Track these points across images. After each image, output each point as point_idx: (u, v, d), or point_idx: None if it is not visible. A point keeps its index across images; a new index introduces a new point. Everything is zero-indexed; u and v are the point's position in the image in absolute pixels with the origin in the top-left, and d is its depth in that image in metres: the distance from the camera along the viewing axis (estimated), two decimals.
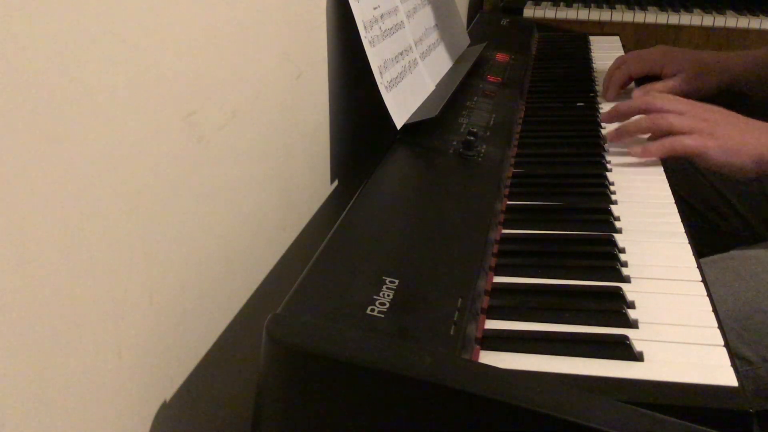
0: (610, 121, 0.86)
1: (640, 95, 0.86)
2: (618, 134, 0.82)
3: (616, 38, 1.43)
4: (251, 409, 0.40)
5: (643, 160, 0.78)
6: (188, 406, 0.50)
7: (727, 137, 0.74)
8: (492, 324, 0.50)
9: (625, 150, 0.81)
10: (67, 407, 0.37)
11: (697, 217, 0.99)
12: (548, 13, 1.66)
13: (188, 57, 0.45)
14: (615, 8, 1.65)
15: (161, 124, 0.43)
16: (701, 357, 0.46)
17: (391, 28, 0.78)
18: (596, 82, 1.11)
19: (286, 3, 0.61)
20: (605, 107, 0.98)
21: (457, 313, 0.44)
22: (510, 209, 0.68)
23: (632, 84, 1.06)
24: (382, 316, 0.42)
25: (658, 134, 0.78)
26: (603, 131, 0.89)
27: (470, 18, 1.61)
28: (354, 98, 0.80)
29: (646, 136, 0.82)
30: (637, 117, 0.82)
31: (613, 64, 1.05)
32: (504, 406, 0.34)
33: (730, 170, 0.75)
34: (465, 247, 0.53)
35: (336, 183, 0.78)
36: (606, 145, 0.84)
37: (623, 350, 0.46)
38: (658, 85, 1.00)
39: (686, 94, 0.95)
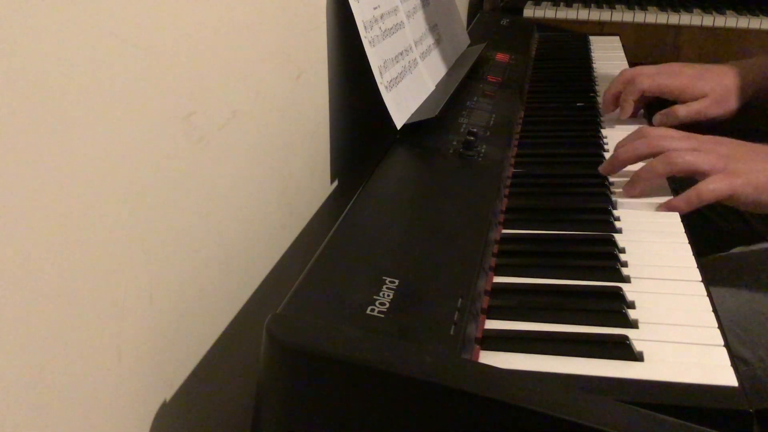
0: (611, 172, 0.74)
1: (639, 137, 0.74)
2: (634, 186, 0.71)
3: (616, 38, 1.43)
4: (251, 409, 0.40)
5: (643, 161, 0.76)
6: (188, 406, 0.50)
7: (752, 171, 0.67)
8: (492, 324, 0.50)
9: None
10: (67, 407, 0.37)
11: (697, 217, 0.99)
12: (548, 13, 1.66)
13: (188, 57, 0.45)
14: (615, 8, 1.65)
15: (161, 124, 0.43)
16: (701, 357, 0.46)
17: (391, 28, 0.78)
18: (596, 82, 1.11)
19: (286, 3, 0.61)
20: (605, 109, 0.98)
21: (457, 313, 0.44)
22: (510, 209, 0.68)
23: (641, 111, 0.97)
24: (382, 316, 0.42)
25: (677, 175, 0.71)
26: (603, 131, 0.89)
27: (470, 18, 1.61)
28: (354, 98, 0.80)
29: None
30: (648, 162, 0.72)
31: (620, 78, 0.94)
32: (504, 406, 0.34)
33: (759, 208, 0.68)
34: (465, 247, 0.53)
35: (336, 183, 0.78)
36: (606, 146, 0.84)
37: (623, 350, 0.46)
38: (682, 110, 0.91)
39: (712, 118, 0.91)
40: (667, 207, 0.68)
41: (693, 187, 0.68)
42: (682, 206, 0.67)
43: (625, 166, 0.74)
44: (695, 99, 0.91)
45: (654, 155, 0.71)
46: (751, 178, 0.67)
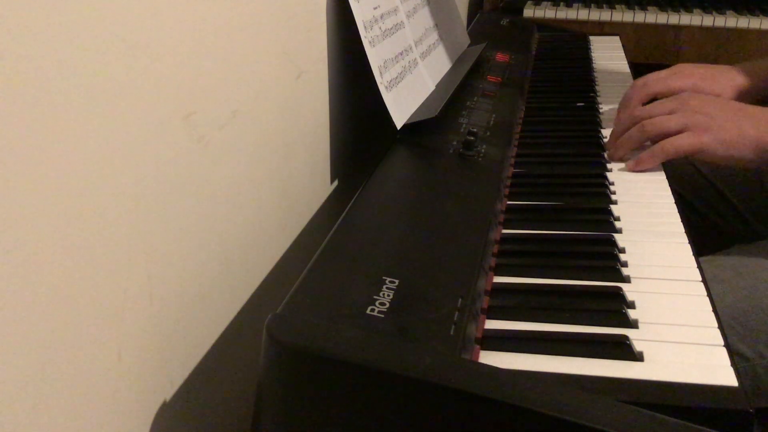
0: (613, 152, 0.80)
1: (624, 111, 0.81)
2: (615, 152, 0.78)
3: (616, 38, 1.43)
4: (251, 409, 0.40)
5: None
6: (188, 406, 0.50)
7: (723, 128, 0.70)
8: (492, 324, 0.50)
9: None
10: (67, 407, 0.37)
11: (697, 217, 0.99)
12: (548, 13, 1.66)
13: (188, 57, 0.45)
14: (615, 8, 1.65)
15: (161, 124, 0.43)
16: (701, 357, 0.46)
17: (391, 28, 0.78)
18: (596, 82, 1.11)
19: (286, 3, 0.61)
20: (605, 109, 0.98)
21: (457, 313, 0.44)
22: (510, 209, 0.68)
23: None
24: (382, 316, 0.42)
25: (654, 141, 0.75)
26: (603, 131, 0.89)
27: (470, 18, 1.61)
28: (354, 98, 0.80)
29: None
30: (628, 131, 0.78)
31: (634, 93, 0.90)
32: (504, 406, 0.34)
33: (730, 163, 0.71)
34: (465, 247, 0.53)
35: (336, 183, 0.78)
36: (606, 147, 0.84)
37: (623, 350, 0.46)
38: None
39: None
40: (635, 163, 0.74)
41: (658, 143, 0.72)
42: (647, 161, 0.72)
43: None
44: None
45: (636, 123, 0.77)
46: (720, 135, 0.69)
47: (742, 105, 0.73)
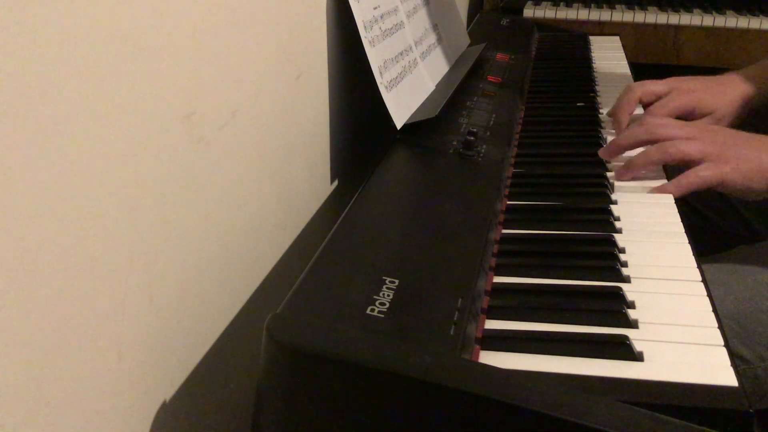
0: (610, 157, 0.77)
1: (639, 124, 0.77)
2: (627, 171, 0.74)
3: (616, 38, 1.43)
4: (251, 409, 0.40)
5: (641, 147, 0.75)
6: (188, 406, 0.50)
7: (742, 159, 0.69)
8: (492, 324, 0.50)
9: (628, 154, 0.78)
10: (67, 407, 0.37)
11: (697, 217, 0.99)
12: (548, 13, 1.66)
13: (188, 57, 0.45)
14: (615, 8, 1.65)
15: (161, 124, 0.43)
16: (701, 357, 0.46)
17: (391, 28, 0.78)
18: (596, 82, 1.11)
19: (286, 3, 0.61)
20: (605, 109, 0.98)
21: (457, 313, 0.44)
22: (510, 209, 0.68)
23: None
24: (382, 316, 0.42)
25: (671, 164, 0.73)
26: (603, 131, 0.89)
27: (470, 18, 1.61)
28: (354, 98, 0.80)
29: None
30: (644, 149, 0.74)
31: (626, 99, 0.91)
32: (504, 406, 0.34)
33: (747, 195, 0.70)
34: (465, 247, 0.53)
35: (336, 183, 0.78)
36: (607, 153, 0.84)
37: (623, 350, 0.46)
38: None
39: None
40: (658, 190, 0.71)
41: (684, 173, 0.70)
42: (672, 190, 0.70)
43: (623, 152, 0.76)
44: (702, 116, 0.89)
45: (652, 142, 0.74)
46: (740, 166, 0.69)
47: (758, 136, 0.72)
